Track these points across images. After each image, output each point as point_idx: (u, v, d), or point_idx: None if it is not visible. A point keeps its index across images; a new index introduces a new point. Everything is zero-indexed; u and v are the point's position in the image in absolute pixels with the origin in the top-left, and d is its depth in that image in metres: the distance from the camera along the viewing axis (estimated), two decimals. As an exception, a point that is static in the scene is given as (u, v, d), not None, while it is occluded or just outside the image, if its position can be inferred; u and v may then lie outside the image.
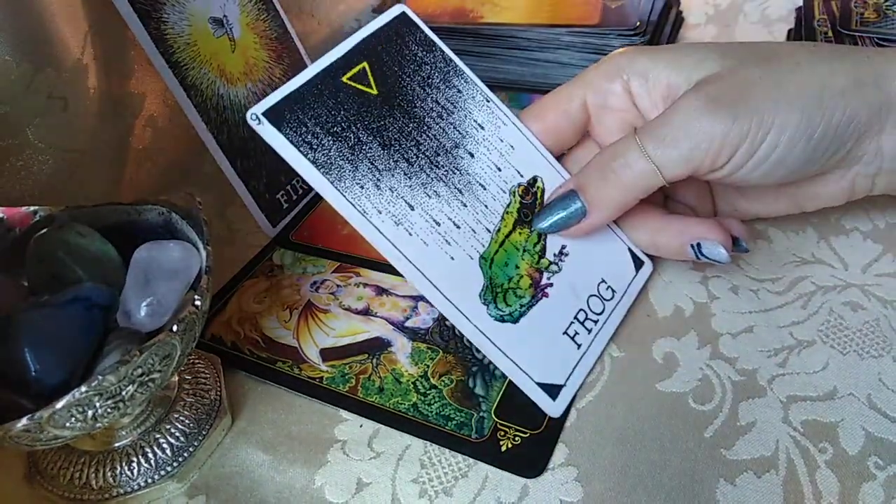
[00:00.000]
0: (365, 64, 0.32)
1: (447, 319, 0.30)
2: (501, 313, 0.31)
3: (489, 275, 0.31)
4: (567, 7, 0.53)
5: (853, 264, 0.36)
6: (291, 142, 0.29)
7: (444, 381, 0.33)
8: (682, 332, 0.34)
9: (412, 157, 0.31)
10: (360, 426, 0.32)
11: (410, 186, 0.31)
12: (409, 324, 0.36)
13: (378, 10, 0.58)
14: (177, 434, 0.31)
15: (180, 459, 0.30)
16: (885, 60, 0.30)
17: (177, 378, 0.33)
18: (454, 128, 0.33)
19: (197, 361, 0.34)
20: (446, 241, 0.30)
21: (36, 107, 0.36)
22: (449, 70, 0.34)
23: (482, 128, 0.34)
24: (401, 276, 0.39)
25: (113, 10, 0.37)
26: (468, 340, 0.32)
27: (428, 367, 0.34)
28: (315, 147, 0.29)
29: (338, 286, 0.39)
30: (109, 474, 0.30)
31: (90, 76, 0.39)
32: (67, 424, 0.24)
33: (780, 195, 0.35)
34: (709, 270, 0.37)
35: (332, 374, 0.34)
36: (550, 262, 0.33)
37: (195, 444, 0.31)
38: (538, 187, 0.34)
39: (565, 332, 0.32)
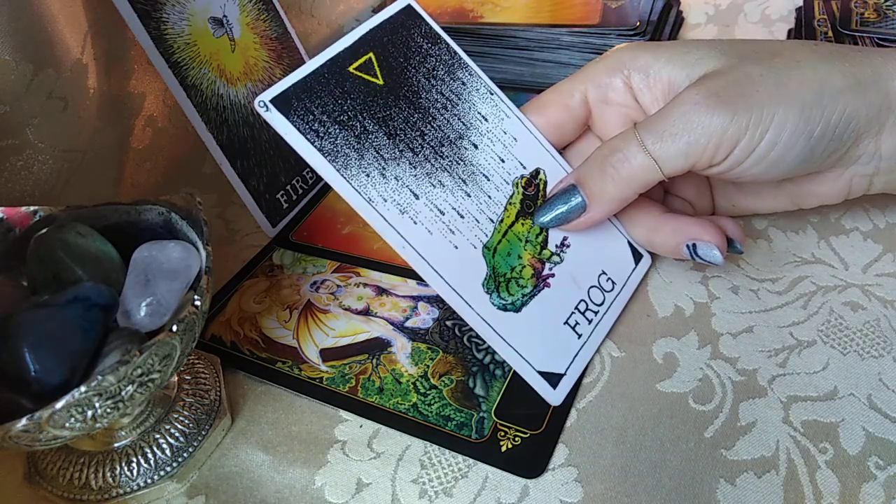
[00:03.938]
0: (371, 54, 0.32)
1: (450, 307, 0.30)
2: (504, 302, 0.31)
3: (492, 264, 0.31)
4: (567, 7, 0.53)
5: (853, 264, 0.36)
6: (298, 129, 0.29)
7: (444, 381, 0.33)
8: (682, 332, 0.34)
9: (417, 147, 0.31)
10: (360, 426, 0.32)
11: (415, 176, 0.31)
12: (409, 324, 0.36)
13: (378, 11, 0.58)
14: (176, 434, 0.31)
15: (180, 460, 0.30)
16: (885, 61, 0.30)
17: (176, 378, 0.33)
18: (458, 119, 0.33)
19: (196, 362, 0.34)
20: (450, 230, 0.31)
21: (36, 107, 0.36)
22: (454, 63, 0.35)
23: (486, 120, 0.34)
24: (401, 276, 0.39)
25: (113, 10, 0.37)
26: (471, 330, 0.32)
27: (428, 367, 0.34)
28: (322, 135, 0.29)
29: (338, 286, 0.39)
30: (109, 475, 0.30)
31: (90, 76, 0.39)
32: (67, 425, 0.24)
33: (779, 192, 0.35)
34: (709, 270, 0.37)
35: (332, 374, 0.34)
36: (552, 253, 0.33)
37: (195, 444, 0.31)
38: (541, 179, 0.34)
39: (566, 322, 0.32)
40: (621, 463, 0.29)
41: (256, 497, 0.30)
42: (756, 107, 0.29)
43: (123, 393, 0.25)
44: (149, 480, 0.30)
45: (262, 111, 0.29)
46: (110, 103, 0.42)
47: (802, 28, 0.50)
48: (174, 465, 0.30)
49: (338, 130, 0.30)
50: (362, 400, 0.33)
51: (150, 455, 0.30)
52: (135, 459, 0.30)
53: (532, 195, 0.34)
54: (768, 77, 0.29)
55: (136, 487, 0.29)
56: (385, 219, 0.29)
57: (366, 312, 0.37)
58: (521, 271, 0.32)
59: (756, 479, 0.28)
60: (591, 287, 0.34)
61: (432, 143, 0.32)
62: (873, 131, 0.30)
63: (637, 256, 0.36)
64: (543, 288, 0.32)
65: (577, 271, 0.33)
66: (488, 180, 0.33)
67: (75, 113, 0.38)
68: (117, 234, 0.31)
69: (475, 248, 0.31)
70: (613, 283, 0.34)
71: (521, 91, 0.53)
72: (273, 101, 0.29)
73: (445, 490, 0.29)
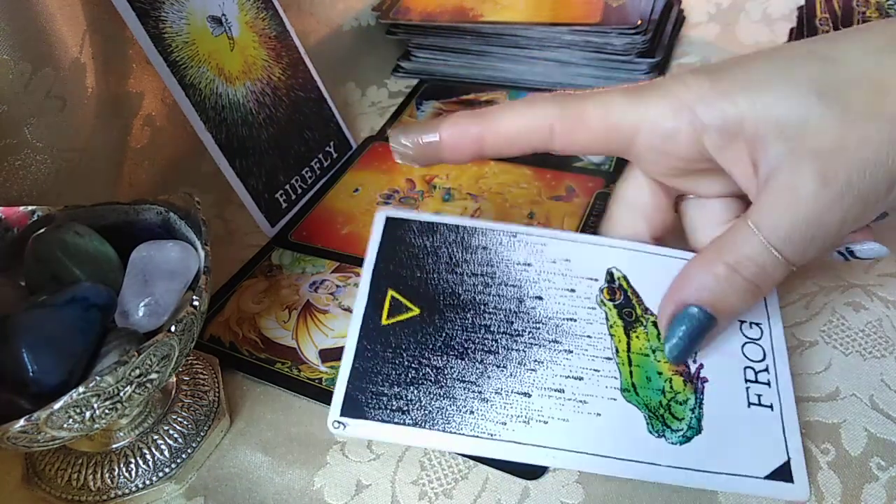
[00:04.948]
0: (390, 292, 0.30)
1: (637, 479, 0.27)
2: (680, 433, 0.27)
3: (642, 402, 0.27)
4: (568, 5, 0.53)
5: (855, 264, 0.35)
6: (384, 420, 0.26)
7: (444, 381, 0.33)
8: (684, 333, 0.34)
9: (492, 345, 0.28)
10: (360, 427, 0.32)
11: (511, 375, 0.28)
12: (409, 324, 0.36)
13: (377, 10, 0.58)
14: (175, 435, 0.31)
15: (178, 461, 0.30)
16: None
17: (175, 379, 0.33)
18: (505, 285, 0.30)
19: (195, 362, 0.34)
20: (581, 402, 0.27)
21: (34, 106, 0.36)
22: (461, 236, 0.31)
23: (530, 265, 0.31)
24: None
25: (111, 8, 0.37)
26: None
27: (428, 367, 0.34)
28: (405, 409, 0.27)
29: (337, 286, 0.39)
30: (107, 476, 0.29)
31: (88, 75, 0.39)
32: (65, 425, 0.24)
33: None
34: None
35: (332, 374, 0.34)
36: None
37: (193, 445, 0.31)
38: (618, 279, 0.31)
39: (750, 404, 0.28)
40: (622, 464, 0.29)
41: (255, 498, 0.30)
42: (883, 181, 0.25)
43: (122, 393, 0.25)
44: (147, 482, 0.30)
45: (341, 431, 0.26)
46: (109, 102, 0.41)
47: (804, 27, 0.50)
48: (173, 466, 0.30)
49: (416, 391, 0.27)
50: (362, 400, 0.33)
51: (148, 456, 0.30)
52: (133, 460, 0.30)
53: (623, 302, 0.30)
54: (884, 132, 0.25)
55: (134, 489, 0.29)
56: (518, 442, 0.26)
57: (365, 312, 0.37)
58: (672, 387, 0.28)
59: (758, 481, 0.28)
60: (744, 345, 0.29)
61: (502, 330, 0.29)
62: None
63: None
64: (704, 387, 0.28)
65: (719, 344, 0.29)
66: (575, 321, 0.29)
67: (73, 112, 0.38)
68: (115, 234, 0.31)
69: (615, 399, 0.27)
70: (757, 324, 0.30)
71: (521, 90, 0.53)
72: (343, 414, 0.26)
73: (445, 491, 0.29)
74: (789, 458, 0.27)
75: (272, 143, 0.44)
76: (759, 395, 0.28)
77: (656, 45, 0.52)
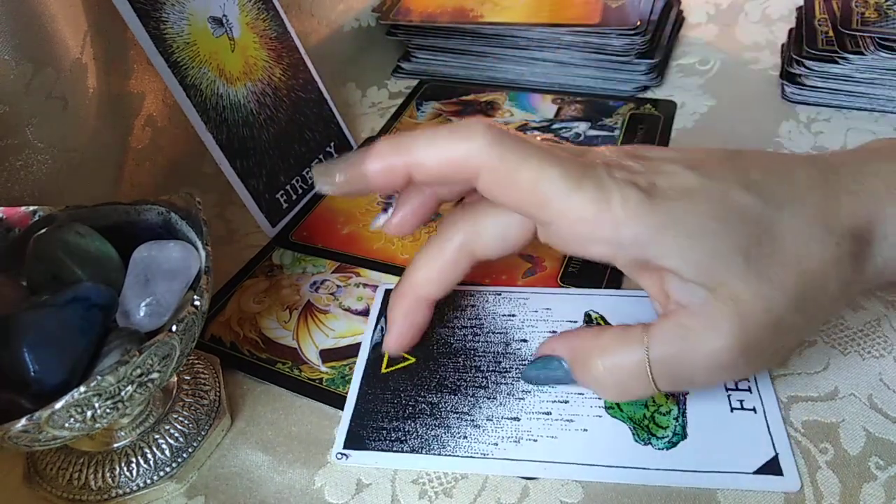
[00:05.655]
0: None
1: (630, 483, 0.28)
2: (666, 439, 0.29)
3: (627, 416, 0.30)
4: (567, 6, 0.53)
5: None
6: (383, 449, 0.30)
7: (444, 381, 0.33)
8: (683, 333, 0.34)
9: (483, 381, 0.32)
10: (360, 426, 0.32)
11: (501, 404, 0.31)
12: (409, 324, 0.36)
13: (378, 10, 0.58)
14: (176, 435, 0.31)
15: (179, 460, 0.30)
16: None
17: (176, 378, 0.33)
18: (493, 333, 0.34)
19: (196, 362, 0.34)
20: (568, 421, 0.30)
21: (35, 106, 0.36)
22: (452, 298, 0.35)
23: (514, 315, 0.34)
24: (401, 276, 0.39)
25: (112, 9, 0.37)
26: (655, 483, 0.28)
27: (428, 367, 0.34)
28: (403, 438, 0.30)
29: (338, 286, 0.39)
30: (108, 475, 0.30)
31: (89, 76, 0.39)
32: (66, 425, 0.24)
33: None
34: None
35: (332, 374, 0.34)
36: None
37: (194, 444, 0.31)
38: (596, 318, 0.34)
39: (733, 409, 0.30)
40: (622, 463, 0.29)
41: (256, 497, 0.30)
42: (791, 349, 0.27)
43: (123, 393, 0.25)
44: (148, 481, 0.30)
45: (342, 461, 0.30)
46: (110, 103, 0.41)
47: (803, 27, 0.50)
48: (174, 465, 0.30)
49: (413, 424, 0.30)
50: (362, 400, 0.33)
51: (149, 455, 0.30)
52: (134, 460, 0.30)
53: None
54: (803, 321, 0.25)
55: (135, 488, 0.29)
56: (510, 459, 0.29)
57: (366, 313, 0.37)
58: (654, 401, 0.30)
59: (757, 480, 0.28)
60: None
61: (491, 368, 0.32)
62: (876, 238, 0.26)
63: None
64: (685, 398, 0.30)
65: None
66: None
67: (75, 112, 0.38)
68: (117, 234, 0.31)
69: (601, 416, 0.30)
70: None
71: (521, 91, 0.53)
72: (346, 446, 0.30)
73: (445, 490, 0.29)
74: (777, 453, 0.28)
75: (273, 143, 0.44)
76: (741, 401, 0.30)
77: (655, 46, 0.52)
